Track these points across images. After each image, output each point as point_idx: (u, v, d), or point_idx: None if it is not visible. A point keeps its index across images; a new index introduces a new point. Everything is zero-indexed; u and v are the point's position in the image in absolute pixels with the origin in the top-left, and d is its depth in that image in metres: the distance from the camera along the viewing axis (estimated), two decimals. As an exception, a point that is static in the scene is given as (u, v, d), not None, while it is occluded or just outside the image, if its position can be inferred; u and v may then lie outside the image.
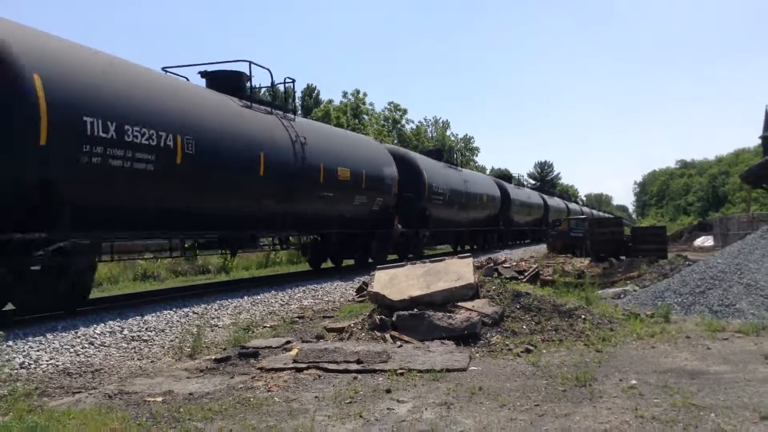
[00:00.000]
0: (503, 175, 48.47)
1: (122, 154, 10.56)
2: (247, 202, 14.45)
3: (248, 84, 15.95)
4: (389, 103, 63.19)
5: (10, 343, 8.20)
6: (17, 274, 9.85)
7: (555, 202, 59.69)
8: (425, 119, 78.41)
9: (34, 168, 9.47)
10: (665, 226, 26.78)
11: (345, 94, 57.30)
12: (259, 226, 15.43)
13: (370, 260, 21.12)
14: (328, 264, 21.82)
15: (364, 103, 56.94)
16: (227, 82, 15.27)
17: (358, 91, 57.02)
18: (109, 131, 10.28)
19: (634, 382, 5.85)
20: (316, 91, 65.51)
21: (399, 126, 63.14)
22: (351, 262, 22.08)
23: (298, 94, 67.22)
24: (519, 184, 50.55)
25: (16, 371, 7.14)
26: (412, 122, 66.95)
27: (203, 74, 15.61)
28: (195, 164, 12.21)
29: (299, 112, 20.00)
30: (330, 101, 57.23)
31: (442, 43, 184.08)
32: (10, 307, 10.94)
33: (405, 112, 63.94)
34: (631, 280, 14.49)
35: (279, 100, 19.51)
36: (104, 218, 10.96)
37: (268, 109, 16.16)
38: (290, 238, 19.28)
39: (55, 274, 10.31)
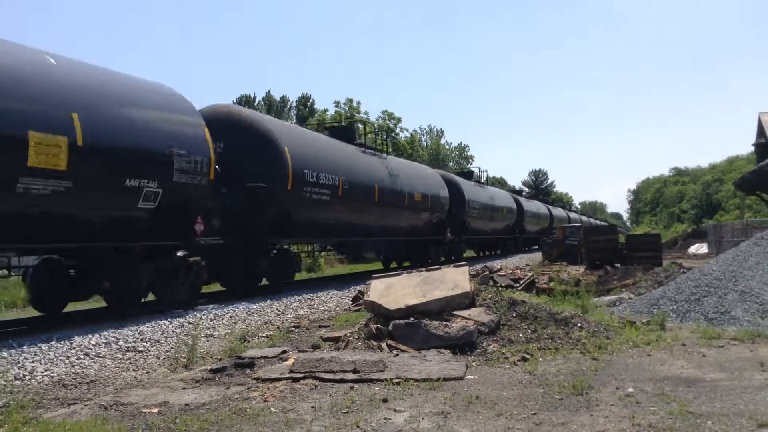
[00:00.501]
0: (463, 172, 42.78)
1: (318, 190, 17.26)
2: (368, 219, 21.16)
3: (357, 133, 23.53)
4: (383, 112, 63.24)
5: (5, 354, 8.16)
6: (265, 259, 16.21)
7: (558, 212, 64.86)
8: (420, 128, 78.65)
9: (284, 203, 15.94)
10: (659, 234, 26.86)
11: (338, 104, 57.39)
12: (371, 234, 22.06)
13: (429, 261, 25.61)
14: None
15: (359, 112, 57.01)
16: (347, 132, 22.95)
17: (351, 100, 57.14)
18: (313, 177, 16.96)
19: (630, 390, 5.86)
20: (310, 101, 65.70)
21: (393, 135, 63.21)
22: (407, 263, 25.89)
23: (293, 104, 67.46)
24: (480, 182, 43.52)
25: (11, 383, 7.10)
26: (407, 131, 67.08)
27: (328, 128, 25.20)
28: (347, 195, 18.91)
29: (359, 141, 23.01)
30: (325, 110, 57.35)
31: (435, 52, 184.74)
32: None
33: (399, 120, 64.02)
34: (626, 288, 14.52)
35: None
36: (307, 228, 17.38)
37: (372, 151, 23.00)
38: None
39: (280, 259, 17.11)
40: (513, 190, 54.66)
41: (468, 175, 39.03)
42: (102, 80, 11.63)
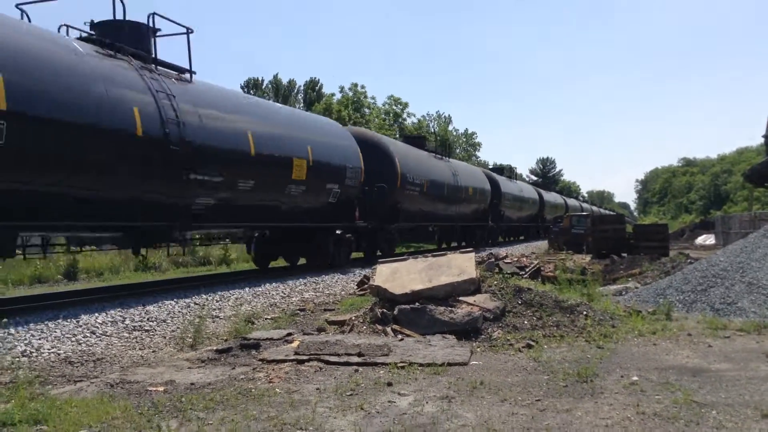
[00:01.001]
0: (497, 168, 47.75)
1: (412, 188, 22.91)
2: (439, 208, 26.75)
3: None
4: (389, 97, 63.01)
5: (12, 330, 8.22)
6: (381, 236, 21.78)
7: (552, 197, 56.95)
8: (427, 114, 78.37)
9: (394, 197, 21.48)
10: (667, 224, 26.74)
11: (342, 89, 57.21)
12: (439, 220, 27.58)
13: (474, 242, 26.98)
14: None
15: (365, 97, 56.85)
16: (419, 140, 28.54)
17: (356, 85, 56.94)
18: (412, 180, 22.77)
19: (635, 378, 5.85)
20: (318, 85, 65.47)
21: (400, 120, 63.04)
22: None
23: (301, 88, 67.27)
24: (512, 175, 48.39)
25: (18, 359, 7.15)
26: (414, 116, 66.87)
27: (403, 136, 29.09)
28: (430, 191, 24.62)
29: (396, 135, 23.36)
30: (332, 95, 57.19)
31: (443, 38, 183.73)
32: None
33: (406, 105, 63.79)
34: (632, 278, 14.50)
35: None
36: (406, 215, 22.80)
37: (440, 155, 28.41)
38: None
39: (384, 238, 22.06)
40: (533, 182, 54.93)
41: (500, 170, 44.22)
42: (312, 120, 19.78)
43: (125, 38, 12.42)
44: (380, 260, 10.50)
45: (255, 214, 15.38)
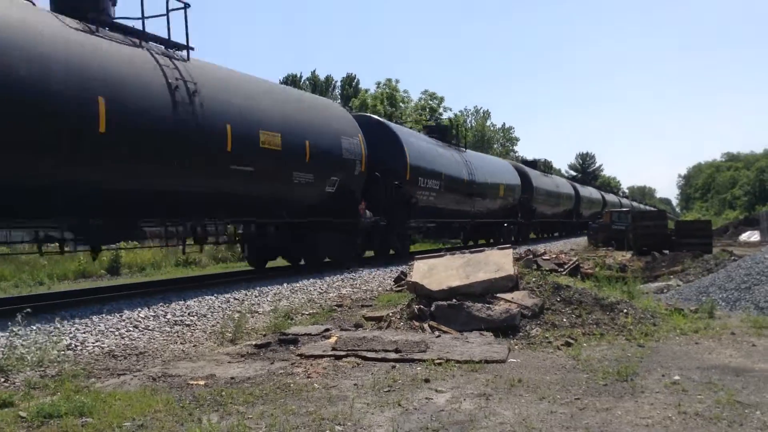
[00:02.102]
0: (530, 162, 45.23)
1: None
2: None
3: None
4: (424, 92, 62.83)
5: (58, 324, 8.43)
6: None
7: (588, 192, 55.17)
8: (465, 109, 77.93)
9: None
10: (710, 220, 26.23)
11: (378, 84, 57.25)
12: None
13: (501, 240, 25.76)
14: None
15: (398, 91, 56.75)
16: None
17: (390, 80, 56.91)
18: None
19: (677, 377, 5.76)
20: (355, 80, 65.68)
21: (437, 114, 62.83)
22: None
23: (338, 83, 67.54)
24: (547, 170, 48.55)
25: (63, 352, 7.35)
26: (450, 110, 66.53)
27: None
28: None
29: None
30: (366, 90, 57.29)
31: (480, 31, 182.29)
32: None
33: (442, 100, 63.51)
34: (674, 275, 14.25)
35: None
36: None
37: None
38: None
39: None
40: (570, 177, 53.93)
41: (533, 164, 41.96)
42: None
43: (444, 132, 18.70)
44: (416, 256, 10.50)
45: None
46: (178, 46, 12.59)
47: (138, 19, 11.88)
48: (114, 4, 11.81)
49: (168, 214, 12.31)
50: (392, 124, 22.20)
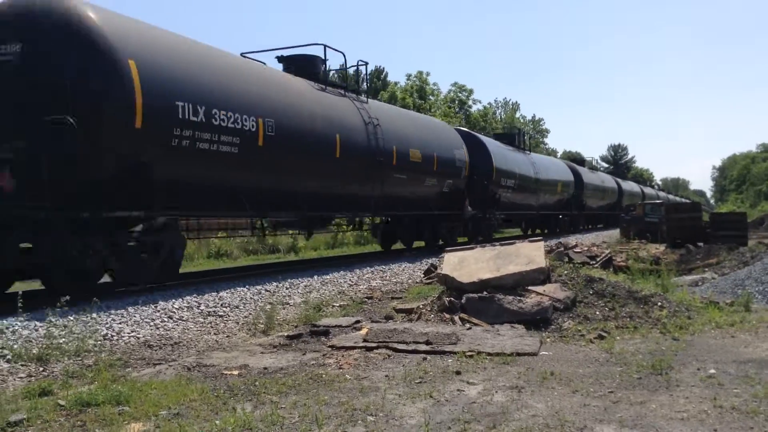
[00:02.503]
0: (576, 159, 50.30)
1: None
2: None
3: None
4: (453, 84, 62.54)
5: (94, 315, 8.58)
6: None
7: (629, 186, 59.46)
8: (494, 101, 77.40)
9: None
10: (745, 212, 25.71)
11: (409, 76, 57.07)
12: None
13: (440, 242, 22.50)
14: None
15: (427, 84, 56.54)
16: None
17: (420, 72, 56.69)
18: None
19: (712, 371, 5.68)
20: (384, 73, 65.53)
21: (466, 107, 62.49)
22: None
23: (367, 76, 67.44)
24: (592, 168, 53.14)
25: (100, 342, 7.49)
26: (479, 102, 66.18)
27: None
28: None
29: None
30: (396, 83, 57.19)
31: (510, 22, 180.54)
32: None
33: (471, 92, 63.17)
34: (709, 268, 14.03)
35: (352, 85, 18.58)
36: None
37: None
38: None
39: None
40: (574, 159, 52.72)
41: (582, 162, 42.29)
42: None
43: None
44: (447, 249, 10.49)
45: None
46: (361, 92, 18.02)
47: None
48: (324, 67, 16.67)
49: (348, 210, 17.10)
50: (480, 135, 26.73)
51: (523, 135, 34.24)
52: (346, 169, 15.59)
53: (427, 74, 56.68)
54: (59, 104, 9.12)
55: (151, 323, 8.64)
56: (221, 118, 11.34)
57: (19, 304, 7.45)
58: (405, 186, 18.26)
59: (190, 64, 11.18)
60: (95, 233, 9.93)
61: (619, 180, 55.85)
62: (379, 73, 65.84)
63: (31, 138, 9.30)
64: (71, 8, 9.58)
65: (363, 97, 17.57)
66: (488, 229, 25.17)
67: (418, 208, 19.68)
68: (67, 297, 7.64)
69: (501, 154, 26.01)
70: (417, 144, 18.82)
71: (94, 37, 9.48)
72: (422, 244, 22.16)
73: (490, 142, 26.09)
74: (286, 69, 15.87)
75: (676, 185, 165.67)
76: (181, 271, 14.63)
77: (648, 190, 70.74)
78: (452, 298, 8.65)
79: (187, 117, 10.61)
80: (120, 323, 8.47)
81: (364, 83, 19.21)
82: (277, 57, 16.38)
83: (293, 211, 14.47)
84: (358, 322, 8.50)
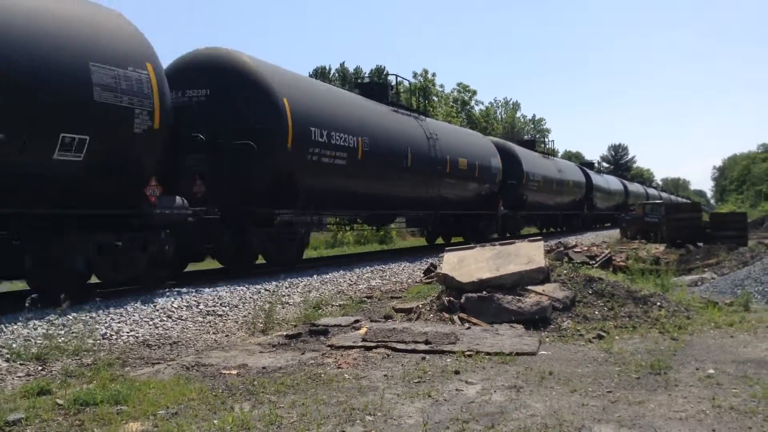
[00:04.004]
0: (584, 163, 53.19)
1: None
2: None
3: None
4: (458, 84, 62.57)
5: (93, 314, 8.59)
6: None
7: (635, 187, 63.41)
8: (495, 100, 77.43)
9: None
10: (746, 213, 25.68)
11: (415, 75, 57.03)
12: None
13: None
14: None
15: (433, 84, 56.51)
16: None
17: (426, 72, 56.65)
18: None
19: (711, 371, 5.68)
20: (384, 72, 65.53)
21: (468, 107, 62.51)
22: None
23: (367, 76, 67.38)
24: (599, 170, 56.41)
25: (99, 342, 7.49)
26: (482, 103, 66.18)
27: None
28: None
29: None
30: (399, 83, 57.19)
31: (511, 20, 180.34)
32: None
33: (474, 93, 63.21)
34: (709, 268, 14.01)
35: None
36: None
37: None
38: None
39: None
40: (583, 162, 54.53)
41: (530, 143, 38.03)
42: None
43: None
44: (447, 248, 10.49)
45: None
46: (420, 111, 22.12)
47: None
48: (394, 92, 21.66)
49: (412, 209, 20.61)
50: (512, 144, 30.20)
51: (544, 140, 38.73)
52: (415, 175, 19.21)
53: (434, 75, 56.64)
54: (239, 133, 12.51)
55: (150, 322, 8.64)
56: (336, 138, 14.99)
57: (27, 303, 7.46)
58: (454, 189, 21.98)
59: (316, 97, 15.18)
60: (251, 225, 13.45)
61: (626, 182, 59.18)
62: (380, 72, 65.83)
63: (218, 156, 12.54)
64: (246, 62, 13.31)
65: (422, 117, 21.40)
66: (516, 226, 28.43)
67: (463, 208, 23.23)
68: (65, 297, 7.64)
69: (529, 160, 29.77)
70: (463, 154, 22.44)
71: (262, 84, 13.11)
72: (461, 239, 24.41)
73: (521, 150, 29.63)
74: (362, 93, 19.44)
75: (677, 185, 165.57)
76: (188, 269, 14.68)
77: (651, 190, 73.02)
78: (451, 298, 8.65)
79: (316, 138, 14.24)
80: (119, 322, 8.47)
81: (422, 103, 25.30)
82: (357, 85, 22.67)
83: (374, 210, 18.58)
84: (357, 321, 8.50)
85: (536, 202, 30.44)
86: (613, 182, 53.28)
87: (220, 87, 12.82)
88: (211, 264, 15.34)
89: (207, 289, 10.98)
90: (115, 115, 9.61)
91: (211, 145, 12.44)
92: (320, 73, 65.76)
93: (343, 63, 68.68)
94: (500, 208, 25.43)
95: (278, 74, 14.05)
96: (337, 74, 66.83)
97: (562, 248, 14.66)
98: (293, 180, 13.79)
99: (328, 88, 18.03)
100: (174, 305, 9.62)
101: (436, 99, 56.09)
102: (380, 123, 17.66)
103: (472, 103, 63.62)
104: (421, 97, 28.58)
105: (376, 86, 20.54)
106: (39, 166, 8.89)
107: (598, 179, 46.28)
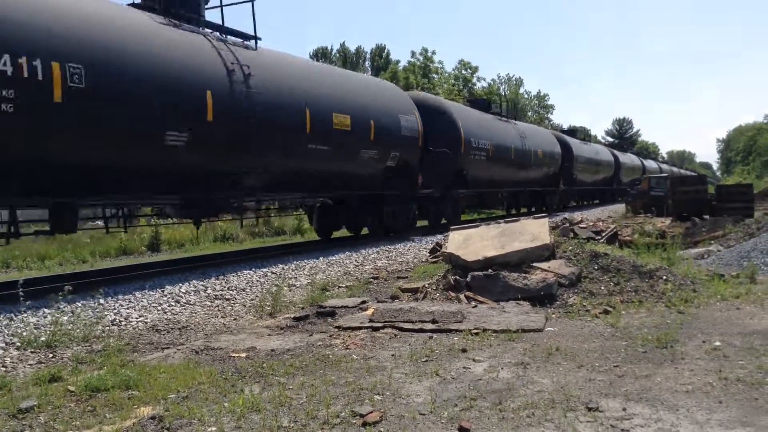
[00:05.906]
0: (569, 130, 48.67)
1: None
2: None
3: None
4: (459, 61, 62.19)
5: (102, 301, 8.66)
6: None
7: (628, 159, 55.94)
8: (498, 77, 76.99)
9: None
10: (752, 184, 25.54)
11: (413, 54, 56.74)
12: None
13: (544, 207, 29.61)
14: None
15: (432, 62, 56.19)
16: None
17: (426, 50, 56.32)
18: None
19: (717, 343, 5.69)
20: (386, 51, 65.20)
21: (470, 85, 62.17)
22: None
23: (368, 55, 66.93)
24: (586, 138, 52.42)
25: (108, 328, 7.56)
26: (484, 80, 65.81)
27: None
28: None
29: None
30: (397, 62, 56.91)
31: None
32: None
33: (476, 69, 62.86)
34: (715, 240, 13.99)
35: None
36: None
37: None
38: None
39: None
40: (611, 144, 53.76)
41: (573, 132, 45.09)
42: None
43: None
44: (452, 227, 10.49)
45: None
46: (510, 114, 29.30)
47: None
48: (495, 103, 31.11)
49: (510, 186, 28.79)
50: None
51: (508, 102, 35.85)
52: (514, 164, 27.21)
53: (433, 52, 56.33)
54: (441, 144, 20.48)
55: (159, 308, 8.70)
56: (480, 143, 23.16)
57: (20, 293, 7.53)
58: (535, 172, 30.54)
59: (468, 116, 23.55)
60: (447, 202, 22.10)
61: (617, 152, 51.92)
62: (380, 52, 65.50)
63: (433, 159, 20.12)
64: (444, 102, 23.57)
65: (512, 121, 28.78)
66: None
67: (541, 185, 31.21)
68: (69, 287, 7.70)
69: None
70: (541, 146, 30.65)
71: (451, 116, 21.83)
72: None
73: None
74: (471, 106, 26.81)
75: (682, 158, 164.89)
76: (187, 255, 14.70)
77: (650, 163, 68.08)
78: (457, 277, 8.67)
79: (472, 144, 22.48)
80: (128, 308, 8.54)
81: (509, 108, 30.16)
82: (469, 101, 30.65)
83: (490, 188, 25.79)
84: (364, 302, 8.53)
85: (488, 177, 24.45)
86: (601, 152, 46.44)
87: (430, 117, 20.12)
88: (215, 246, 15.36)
89: (214, 273, 11.04)
90: (409, 140, 18.41)
91: (424, 153, 19.33)
92: (322, 54, 65.35)
93: (344, 43, 68.24)
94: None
95: (455, 107, 23.62)
96: (338, 54, 66.43)
97: (567, 224, 14.64)
98: (463, 173, 21.94)
99: (477, 112, 25.60)
100: (182, 290, 9.69)
101: (436, 77, 55.79)
102: (497, 131, 25.70)
103: (474, 80, 63.28)
104: (422, 75, 29.04)
105: (482, 102, 29.27)
106: (378, 170, 17.39)
107: (582, 149, 40.00)
